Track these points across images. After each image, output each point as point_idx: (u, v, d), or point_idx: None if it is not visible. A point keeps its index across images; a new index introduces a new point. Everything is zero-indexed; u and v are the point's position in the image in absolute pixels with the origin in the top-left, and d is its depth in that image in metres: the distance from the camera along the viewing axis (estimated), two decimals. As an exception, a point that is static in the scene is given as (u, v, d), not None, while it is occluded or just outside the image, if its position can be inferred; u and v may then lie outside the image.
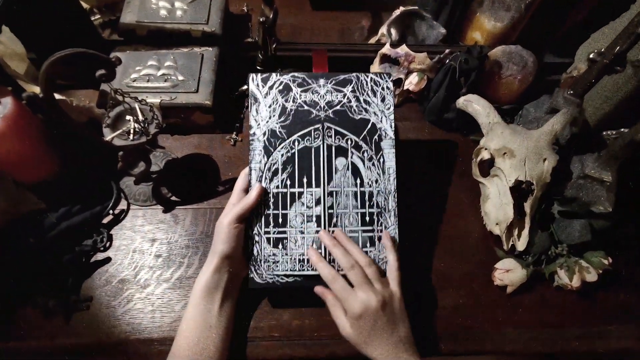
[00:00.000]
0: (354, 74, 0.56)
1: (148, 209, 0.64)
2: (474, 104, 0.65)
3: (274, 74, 0.56)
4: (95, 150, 0.62)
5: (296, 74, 0.56)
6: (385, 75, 0.57)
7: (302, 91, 0.56)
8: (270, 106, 0.55)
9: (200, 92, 0.67)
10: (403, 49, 0.71)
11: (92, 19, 0.78)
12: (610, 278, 0.59)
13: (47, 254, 0.56)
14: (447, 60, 0.70)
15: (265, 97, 0.55)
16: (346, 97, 0.56)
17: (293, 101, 0.55)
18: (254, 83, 0.56)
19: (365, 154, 0.55)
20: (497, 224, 0.61)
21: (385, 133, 0.56)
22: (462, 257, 0.63)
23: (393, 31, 0.77)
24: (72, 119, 0.51)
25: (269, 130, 0.55)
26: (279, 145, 0.54)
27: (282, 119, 0.55)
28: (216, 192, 0.66)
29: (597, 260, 0.58)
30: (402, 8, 0.76)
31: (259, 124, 0.55)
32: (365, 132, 0.55)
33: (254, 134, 0.55)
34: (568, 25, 0.73)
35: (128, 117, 0.54)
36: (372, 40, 0.82)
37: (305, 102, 0.55)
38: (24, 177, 0.58)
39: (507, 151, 0.60)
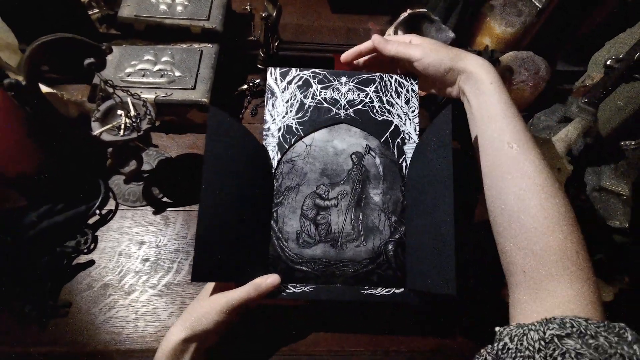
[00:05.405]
0: (378, 74, 0.54)
1: (137, 209, 0.61)
2: (484, 110, 0.62)
3: (293, 69, 0.54)
4: (83, 146, 0.58)
5: (317, 70, 0.54)
6: (410, 77, 0.54)
7: (322, 88, 0.53)
8: (287, 101, 0.53)
9: (198, 89, 0.64)
10: (410, 52, 0.68)
11: (90, 13, 0.75)
12: (627, 297, 0.55)
13: (25, 254, 0.52)
14: (456, 65, 0.67)
15: (282, 92, 0.53)
16: (368, 97, 0.53)
17: (312, 97, 0.53)
18: (272, 77, 0.53)
19: (387, 157, 0.52)
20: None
21: (409, 137, 0.52)
22: (473, 276, 0.59)
23: (400, 34, 0.74)
24: (57, 110, 0.48)
25: (284, 125, 0.52)
26: (294, 142, 0.52)
27: (299, 115, 0.52)
28: (210, 194, 0.63)
29: (613, 278, 0.54)
30: (409, 10, 0.73)
31: (274, 119, 0.52)
32: (387, 134, 0.52)
33: (269, 129, 0.52)
34: (582, 32, 0.70)
35: (119, 112, 0.52)
36: (378, 43, 0.79)
37: (325, 99, 0.53)
38: (4, 170, 0.54)
39: (519, 159, 0.57)
